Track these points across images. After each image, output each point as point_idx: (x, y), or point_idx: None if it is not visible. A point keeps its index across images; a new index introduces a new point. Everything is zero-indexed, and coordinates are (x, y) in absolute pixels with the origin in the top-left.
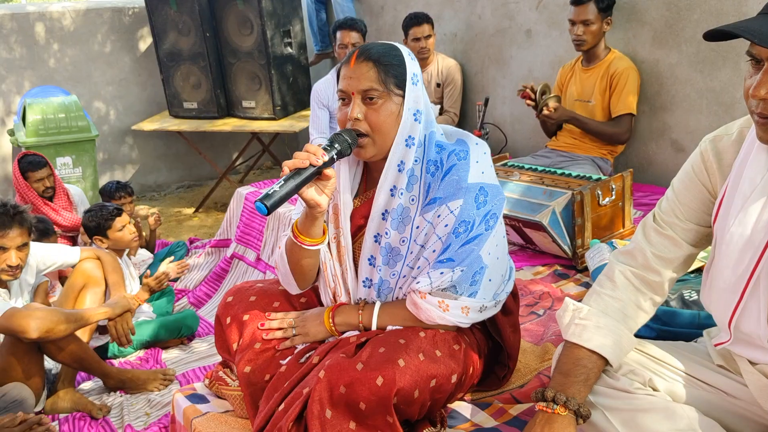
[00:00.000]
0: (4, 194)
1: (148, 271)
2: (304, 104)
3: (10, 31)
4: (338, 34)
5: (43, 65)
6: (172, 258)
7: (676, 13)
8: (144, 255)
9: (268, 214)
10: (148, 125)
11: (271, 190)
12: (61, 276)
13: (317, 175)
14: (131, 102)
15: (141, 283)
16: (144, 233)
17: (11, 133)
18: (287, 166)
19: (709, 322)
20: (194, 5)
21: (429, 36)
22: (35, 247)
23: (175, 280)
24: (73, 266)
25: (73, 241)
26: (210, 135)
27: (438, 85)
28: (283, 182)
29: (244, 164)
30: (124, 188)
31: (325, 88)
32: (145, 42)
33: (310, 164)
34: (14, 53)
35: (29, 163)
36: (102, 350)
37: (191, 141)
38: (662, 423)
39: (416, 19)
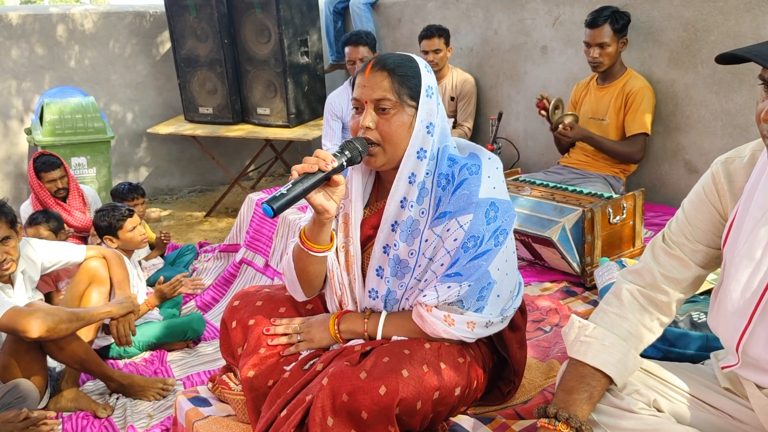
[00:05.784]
0: (20, 192)
1: (162, 277)
2: (318, 113)
3: (32, 32)
4: (346, 50)
5: (62, 66)
6: (186, 274)
7: (693, 34)
8: (155, 260)
9: (274, 216)
10: (163, 129)
11: (278, 193)
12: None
13: (326, 180)
14: (147, 105)
15: (147, 286)
16: (151, 234)
17: (28, 132)
18: (296, 170)
19: (717, 345)
20: (213, 12)
21: (438, 50)
22: (40, 244)
23: None
24: (79, 264)
25: (85, 241)
26: (224, 141)
27: (452, 98)
28: (291, 186)
29: (256, 171)
30: (136, 190)
31: (338, 100)
32: (164, 47)
33: (319, 169)
34: (35, 53)
35: (43, 163)
36: (107, 349)
37: (205, 146)
38: None
39: (428, 32)
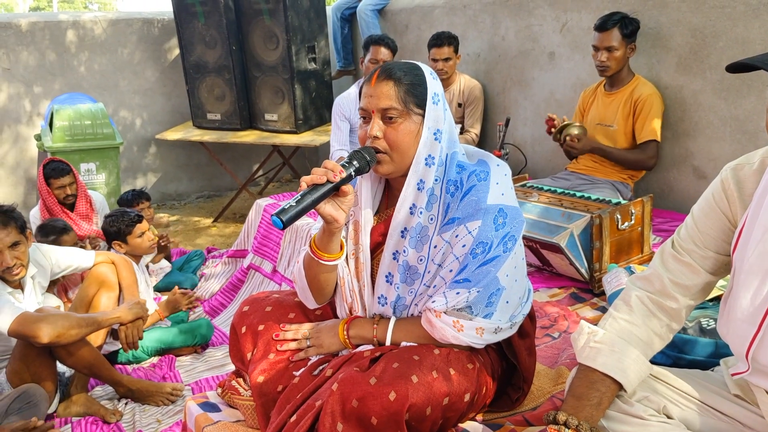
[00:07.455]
0: (29, 198)
1: (177, 287)
2: (326, 119)
3: (41, 38)
4: (370, 48)
5: (72, 72)
6: (185, 291)
7: (701, 40)
8: (162, 264)
9: (284, 228)
10: (171, 135)
11: (288, 205)
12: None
13: (335, 191)
14: (156, 111)
15: (155, 291)
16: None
17: (38, 137)
18: (305, 181)
19: (727, 352)
20: (222, 19)
21: (448, 59)
22: (50, 250)
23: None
24: (88, 270)
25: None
26: (231, 146)
27: (459, 104)
28: (299, 197)
29: (263, 176)
30: (141, 195)
31: (347, 102)
32: (172, 53)
33: (328, 180)
34: (45, 60)
35: (53, 169)
36: (115, 354)
37: (213, 152)
38: None
39: (438, 41)
